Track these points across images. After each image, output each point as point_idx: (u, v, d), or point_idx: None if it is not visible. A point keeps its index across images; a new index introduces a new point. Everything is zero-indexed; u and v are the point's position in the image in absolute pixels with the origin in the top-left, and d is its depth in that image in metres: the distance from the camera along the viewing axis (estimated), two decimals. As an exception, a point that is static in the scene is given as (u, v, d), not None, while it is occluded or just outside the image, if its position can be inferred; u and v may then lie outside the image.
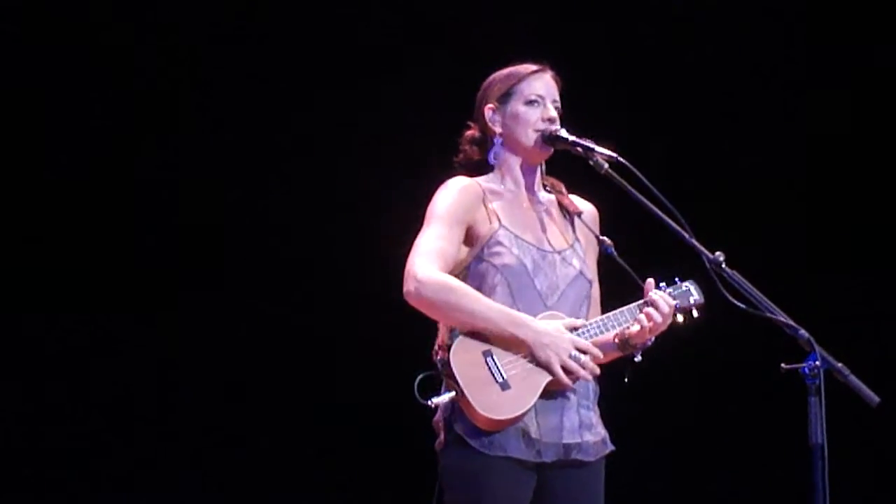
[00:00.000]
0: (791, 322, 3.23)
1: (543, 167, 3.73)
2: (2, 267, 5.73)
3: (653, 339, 3.57)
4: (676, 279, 3.62)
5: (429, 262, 3.47)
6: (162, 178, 5.88)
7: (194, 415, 5.89)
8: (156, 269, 5.85)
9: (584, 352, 3.47)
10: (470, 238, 3.57)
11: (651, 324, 3.52)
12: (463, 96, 3.80)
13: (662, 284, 3.61)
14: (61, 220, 5.80)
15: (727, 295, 3.32)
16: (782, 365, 3.18)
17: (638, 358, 3.56)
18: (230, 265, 5.98)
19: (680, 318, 3.59)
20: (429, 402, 3.43)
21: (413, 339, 3.66)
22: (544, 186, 3.74)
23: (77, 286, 5.78)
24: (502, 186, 3.66)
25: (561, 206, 3.72)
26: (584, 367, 3.46)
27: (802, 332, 3.20)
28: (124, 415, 5.84)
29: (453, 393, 3.42)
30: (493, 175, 3.68)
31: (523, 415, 3.43)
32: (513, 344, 3.45)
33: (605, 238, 3.70)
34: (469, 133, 3.74)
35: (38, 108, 5.72)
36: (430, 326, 3.57)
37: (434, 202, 3.58)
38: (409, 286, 3.46)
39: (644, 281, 3.58)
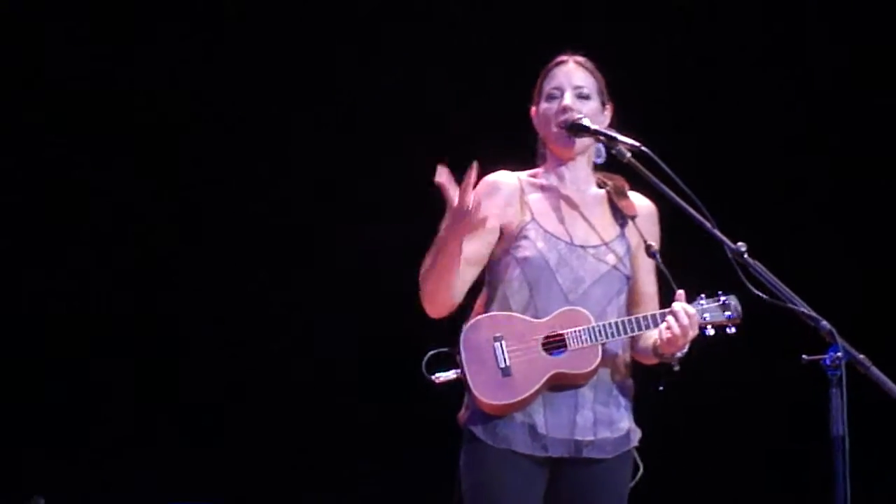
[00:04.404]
0: (813, 313, 3.21)
1: (590, 162, 3.70)
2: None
3: (685, 349, 3.55)
4: (720, 293, 3.59)
5: None
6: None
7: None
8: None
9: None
10: (503, 233, 3.60)
11: (669, 334, 3.50)
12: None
13: (702, 296, 3.60)
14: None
15: (749, 285, 3.31)
16: (803, 356, 3.17)
17: (676, 367, 3.56)
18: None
19: (711, 331, 3.57)
20: (434, 378, 3.47)
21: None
22: (600, 183, 3.72)
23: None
24: (545, 181, 3.69)
25: (612, 203, 3.70)
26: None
27: (824, 323, 3.18)
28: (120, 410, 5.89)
29: (458, 370, 3.46)
30: (540, 169, 3.72)
31: (519, 402, 3.47)
32: (526, 330, 3.47)
33: (651, 243, 3.67)
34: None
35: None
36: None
37: None
38: None
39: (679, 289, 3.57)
